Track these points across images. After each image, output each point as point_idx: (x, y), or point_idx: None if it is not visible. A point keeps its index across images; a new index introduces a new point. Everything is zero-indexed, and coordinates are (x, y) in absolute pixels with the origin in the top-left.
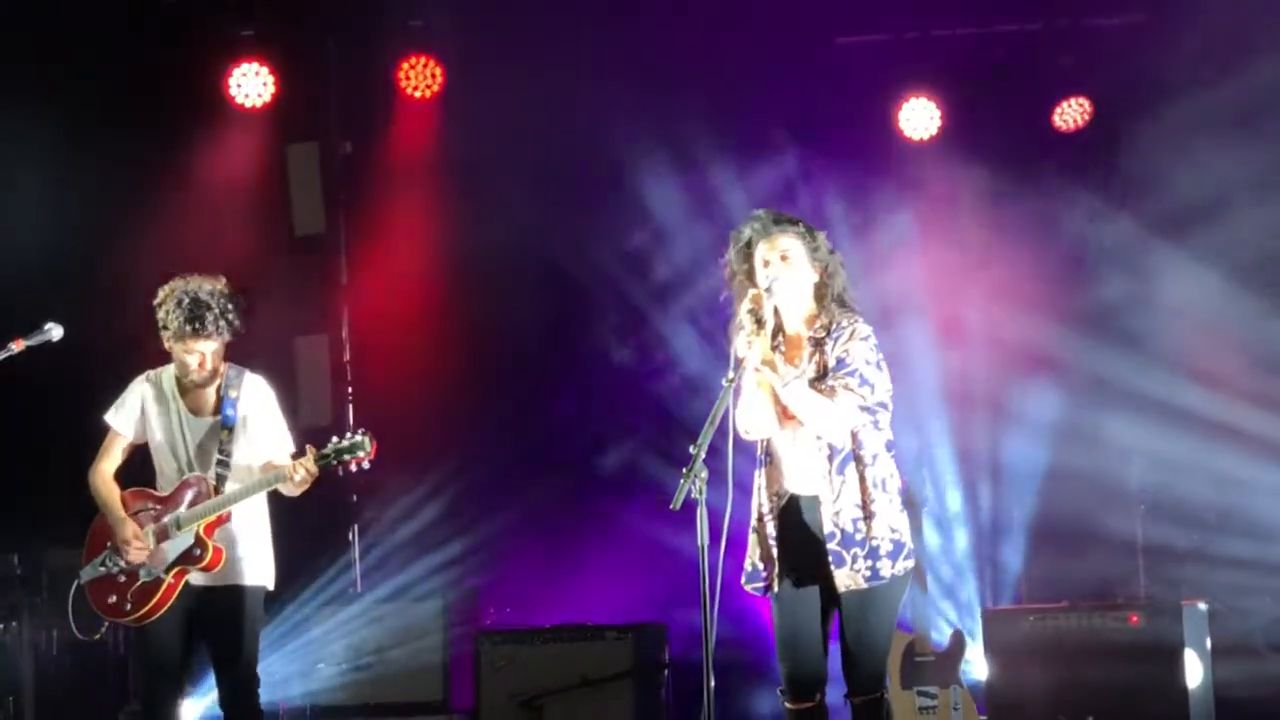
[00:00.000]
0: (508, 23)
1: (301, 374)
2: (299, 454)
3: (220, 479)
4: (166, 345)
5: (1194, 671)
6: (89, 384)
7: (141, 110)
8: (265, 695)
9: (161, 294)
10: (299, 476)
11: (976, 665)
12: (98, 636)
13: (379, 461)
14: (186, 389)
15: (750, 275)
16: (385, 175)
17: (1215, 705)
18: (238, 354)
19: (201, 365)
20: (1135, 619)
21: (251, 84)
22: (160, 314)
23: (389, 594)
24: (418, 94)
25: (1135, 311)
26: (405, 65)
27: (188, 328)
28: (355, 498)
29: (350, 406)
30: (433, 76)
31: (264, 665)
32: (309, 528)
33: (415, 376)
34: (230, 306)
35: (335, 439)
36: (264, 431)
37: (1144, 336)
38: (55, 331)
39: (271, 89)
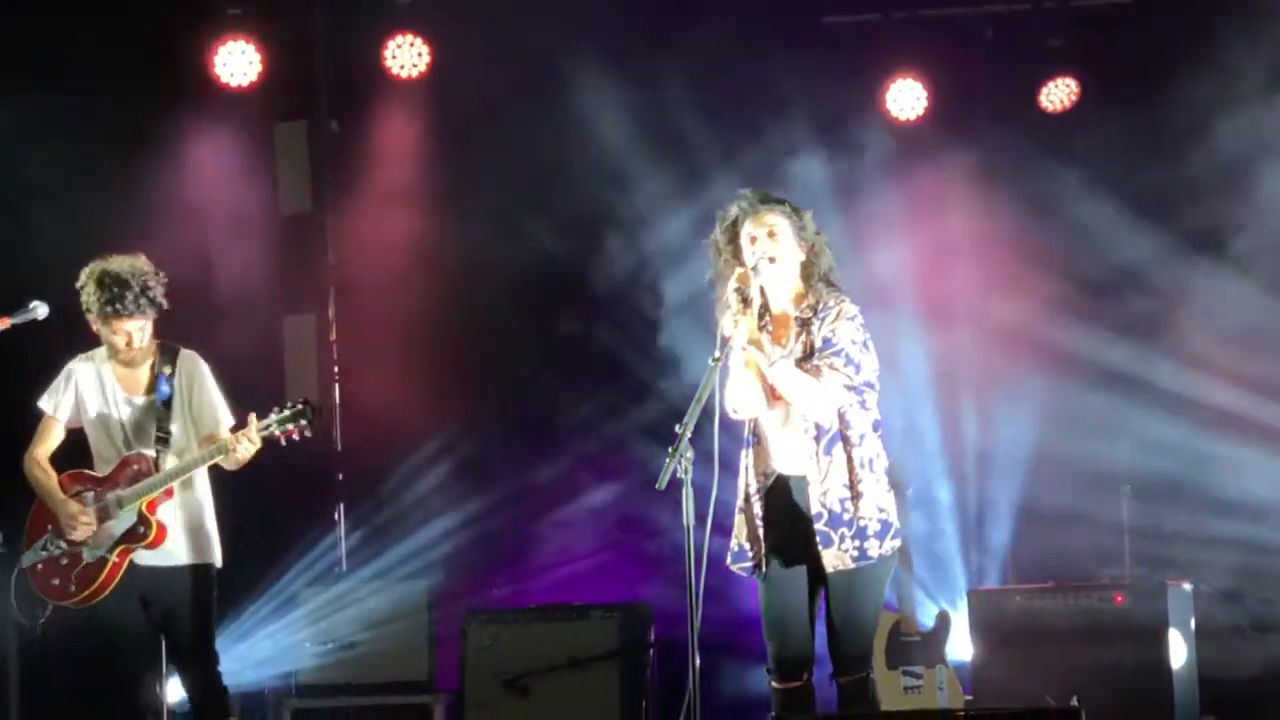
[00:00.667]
0: (495, 2)
1: (289, 354)
2: (239, 426)
3: (160, 455)
4: (94, 327)
5: (1178, 652)
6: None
7: (126, 89)
8: (251, 675)
9: (82, 276)
10: (240, 450)
11: (962, 645)
12: (41, 620)
13: (366, 440)
14: (119, 369)
15: (736, 254)
16: (372, 154)
17: (1199, 685)
18: (224, 334)
19: (129, 344)
20: (1120, 599)
21: (238, 62)
22: (82, 296)
23: (375, 573)
24: (404, 73)
25: (1122, 294)
26: (392, 44)
27: (109, 308)
28: (341, 476)
29: (337, 386)
30: (420, 56)
31: (249, 644)
32: (294, 506)
33: (402, 356)
34: (150, 284)
35: (277, 409)
36: (201, 406)
37: (1132, 319)
38: (41, 310)
39: (258, 68)
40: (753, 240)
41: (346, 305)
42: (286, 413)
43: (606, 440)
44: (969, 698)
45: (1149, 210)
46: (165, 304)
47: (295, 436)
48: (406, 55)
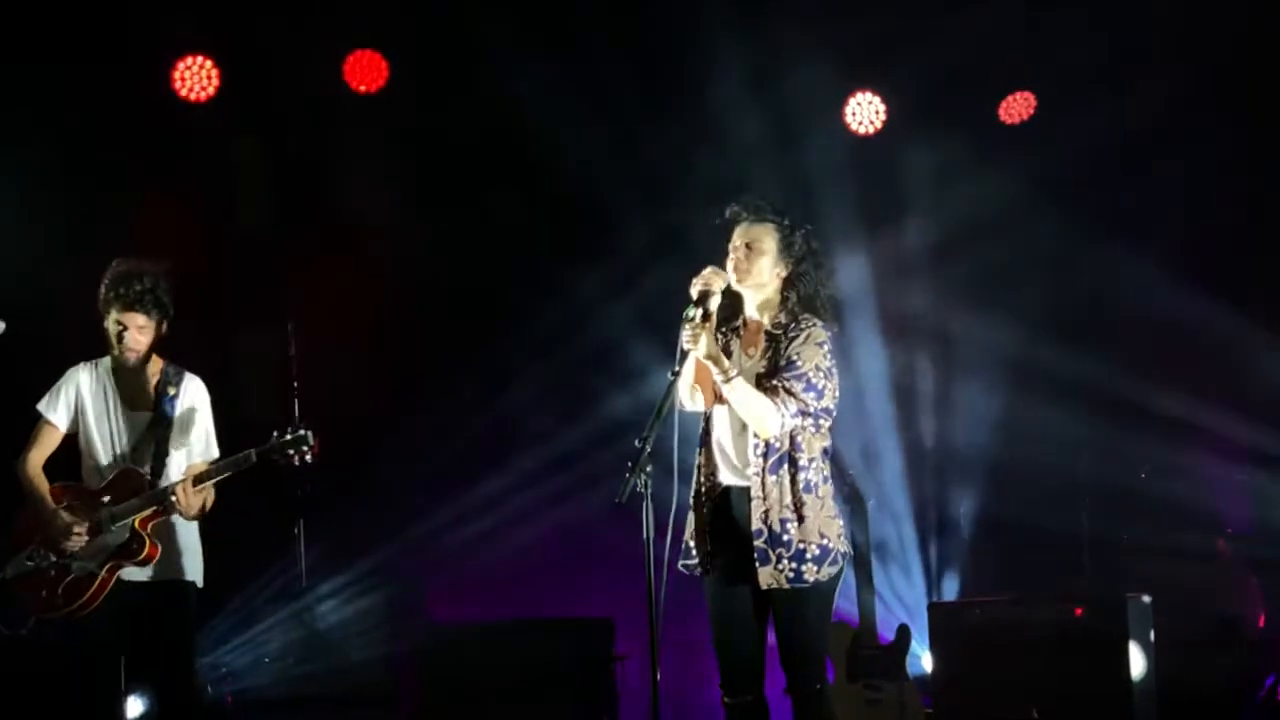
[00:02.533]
0: (454, 15)
1: (246, 369)
2: (231, 456)
3: (155, 474)
4: (104, 323)
5: (1138, 664)
6: (22, 381)
7: (83, 105)
8: (210, 690)
9: (108, 269)
10: (183, 503)
11: (922, 658)
12: (24, 632)
13: (325, 455)
14: (123, 381)
15: (719, 265)
16: (332, 169)
17: (1158, 698)
18: (182, 349)
19: (124, 340)
20: (1080, 612)
21: (196, 77)
22: (101, 287)
23: (334, 588)
24: (363, 88)
25: (1083, 307)
26: (351, 59)
27: (119, 293)
28: (300, 492)
29: (296, 401)
30: (378, 70)
31: (209, 659)
32: (253, 521)
33: (363, 371)
34: (164, 286)
35: (277, 434)
36: (199, 433)
37: (1092, 332)
38: None
39: (215, 82)
40: (734, 249)
41: (305, 321)
42: (289, 438)
43: (568, 454)
44: (929, 711)
45: (1109, 226)
46: (169, 314)
47: (296, 462)
48: (365, 70)
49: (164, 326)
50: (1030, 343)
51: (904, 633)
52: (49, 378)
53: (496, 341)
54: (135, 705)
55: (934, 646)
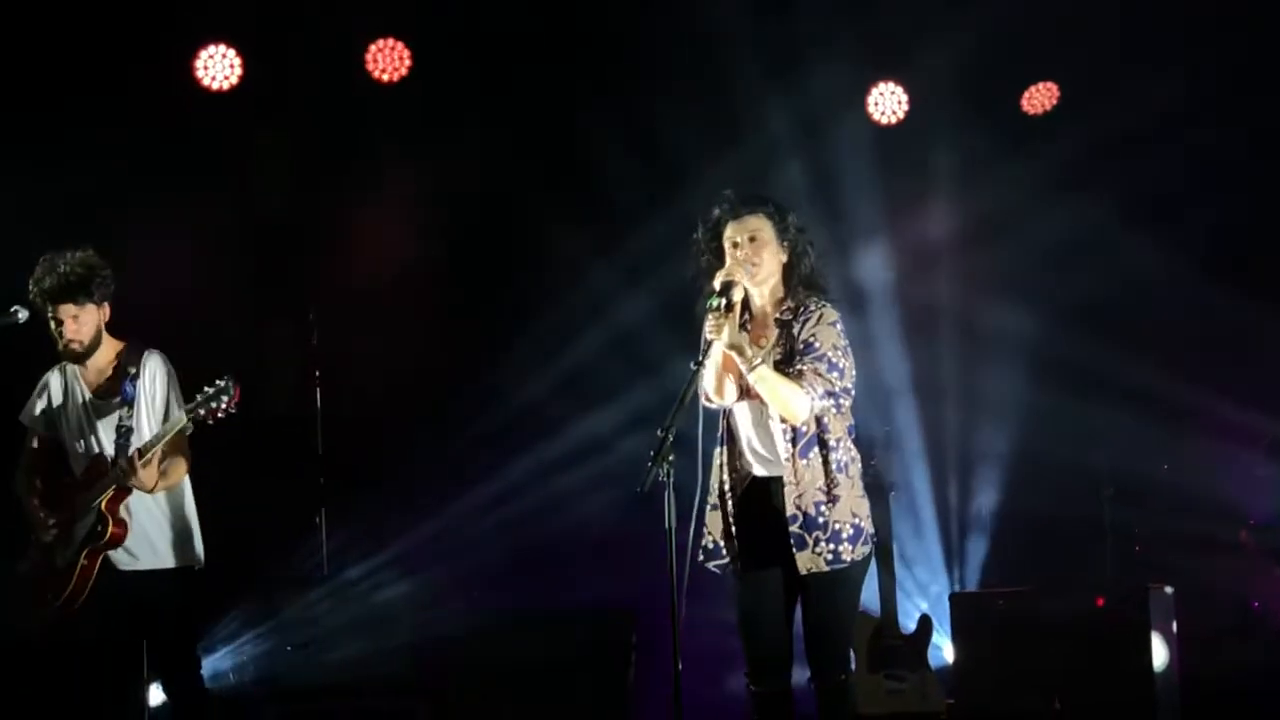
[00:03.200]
0: (475, 4)
1: (267, 359)
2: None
3: (121, 452)
4: (44, 317)
5: (1160, 654)
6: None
7: (106, 94)
8: (232, 679)
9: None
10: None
11: (944, 649)
12: (37, 626)
13: (348, 445)
14: (87, 373)
15: (719, 255)
16: (354, 158)
17: (1180, 688)
18: (202, 338)
19: (61, 330)
20: (1102, 602)
21: (218, 66)
22: (29, 285)
23: (357, 576)
24: (385, 76)
25: (1106, 297)
26: (373, 48)
27: (39, 288)
28: (322, 480)
29: (318, 390)
30: (400, 59)
31: (230, 648)
32: (275, 510)
33: (384, 360)
34: (90, 274)
35: (202, 391)
36: (162, 406)
37: (1115, 322)
38: (21, 314)
39: (239, 71)
40: (734, 245)
41: (326, 310)
42: (209, 391)
43: (591, 443)
44: (950, 701)
45: (1129, 213)
46: (100, 298)
47: (221, 414)
48: (387, 59)
49: (103, 309)
50: (1053, 333)
51: (925, 623)
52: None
53: (518, 331)
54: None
55: (956, 636)
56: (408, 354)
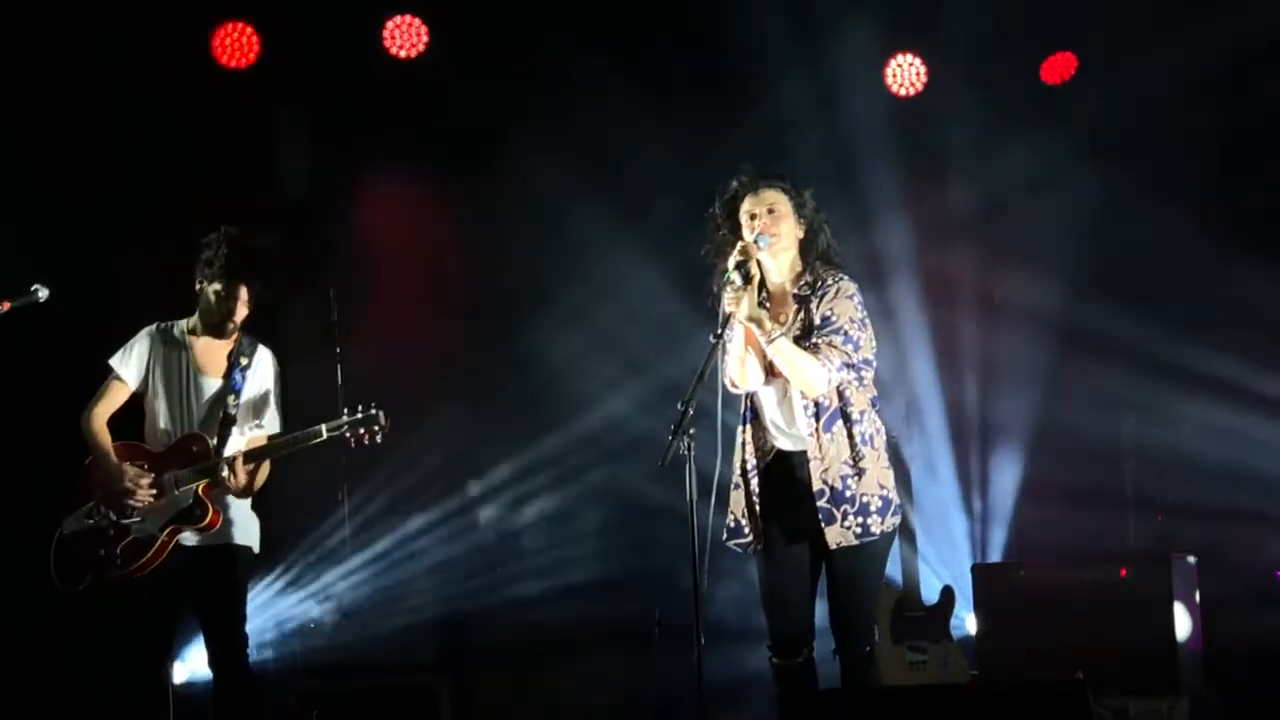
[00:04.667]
0: None
1: (288, 336)
2: (299, 431)
3: (221, 441)
4: (200, 285)
5: (1183, 625)
6: (68, 349)
7: (125, 71)
8: (255, 654)
9: (215, 234)
10: (232, 480)
11: (966, 620)
12: (80, 588)
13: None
14: (198, 345)
15: (736, 230)
16: (372, 135)
17: (1203, 657)
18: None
19: (220, 308)
20: (1124, 572)
21: (236, 44)
22: (207, 251)
23: (380, 553)
24: (403, 54)
25: (1126, 268)
26: (390, 24)
27: (227, 265)
28: (344, 458)
29: (339, 367)
30: (418, 35)
31: (254, 624)
32: (300, 486)
33: (404, 335)
34: (270, 265)
35: (347, 410)
36: (264, 406)
37: (1136, 293)
38: (41, 293)
39: (256, 48)
40: (752, 217)
41: (348, 286)
42: (358, 416)
43: (611, 418)
44: (974, 673)
45: (1150, 183)
46: (270, 293)
47: (366, 441)
48: (404, 36)
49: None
50: (1074, 303)
51: (948, 594)
52: (95, 340)
53: (536, 305)
54: (182, 670)
55: (978, 608)
56: (429, 328)
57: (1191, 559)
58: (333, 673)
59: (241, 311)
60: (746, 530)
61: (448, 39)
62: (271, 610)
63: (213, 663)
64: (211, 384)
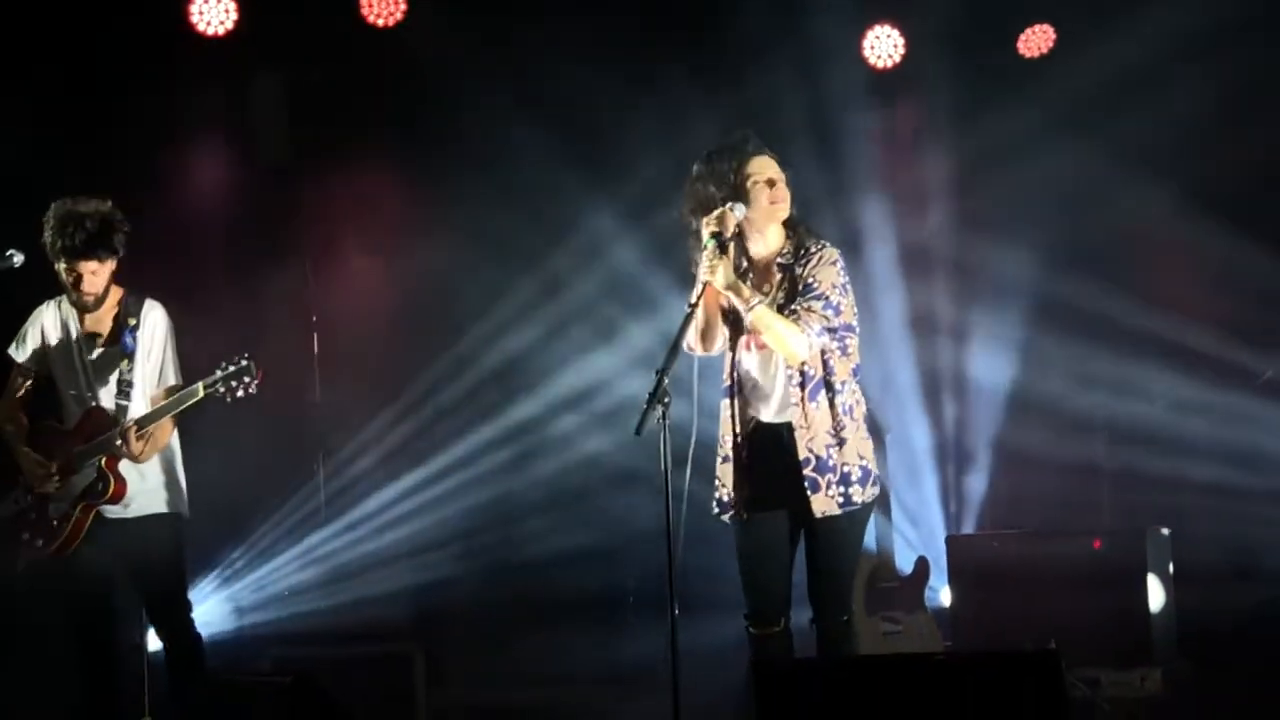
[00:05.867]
0: None
1: (265, 304)
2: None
3: (120, 409)
4: (54, 265)
5: (1156, 596)
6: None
7: (99, 40)
8: (232, 623)
9: (47, 213)
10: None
11: (941, 591)
12: (18, 573)
13: (346, 388)
14: (85, 316)
15: (737, 191)
16: (350, 104)
17: (1177, 631)
18: (201, 284)
19: (80, 286)
20: (1098, 544)
21: (213, 12)
22: (44, 232)
23: (354, 522)
24: (380, 22)
25: (1102, 240)
26: None
27: (61, 244)
28: (320, 427)
29: (315, 335)
30: (395, 4)
31: (229, 593)
32: (274, 456)
33: (380, 304)
34: (110, 229)
35: (221, 366)
36: (158, 363)
37: (1112, 265)
38: (17, 258)
39: (234, 16)
40: (770, 183)
41: (324, 256)
42: (231, 369)
43: (585, 384)
44: (948, 643)
45: (1128, 156)
46: (121, 250)
47: (240, 393)
48: (382, 4)
49: (118, 262)
50: (1049, 275)
51: (923, 565)
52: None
53: (514, 276)
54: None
55: (952, 579)
56: (405, 299)
57: (1165, 531)
58: (307, 640)
59: (95, 283)
60: (731, 503)
61: (426, 6)
62: (246, 579)
63: (159, 633)
64: (102, 351)
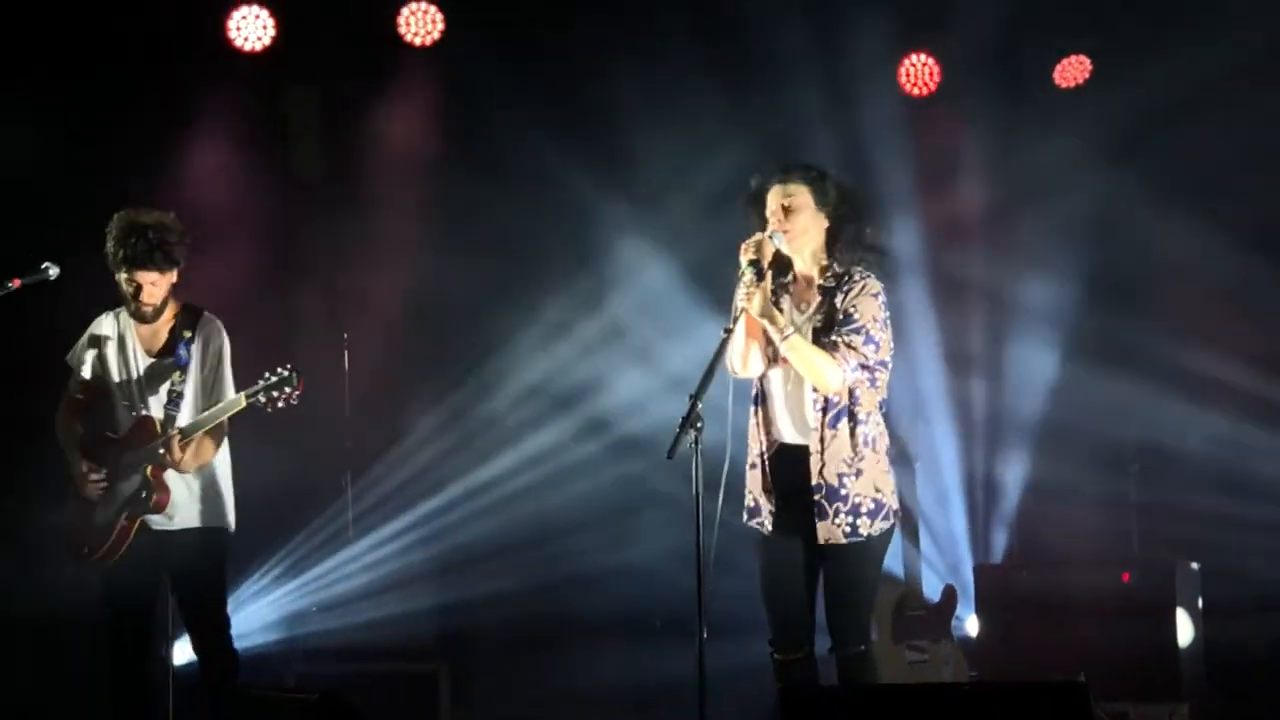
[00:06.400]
0: None
1: (297, 319)
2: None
3: (169, 419)
4: (116, 278)
5: (1185, 631)
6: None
7: (139, 54)
8: (259, 638)
9: (110, 223)
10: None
11: (968, 621)
12: (68, 576)
13: (375, 407)
14: (141, 325)
15: (761, 224)
16: (387, 122)
17: (1206, 664)
18: (233, 297)
19: (139, 296)
20: (1127, 577)
21: (251, 27)
22: (107, 242)
23: (382, 539)
24: (418, 41)
25: (1137, 271)
26: (405, 11)
27: (123, 254)
28: (349, 443)
29: (346, 352)
30: (433, 23)
31: (255, 608)
32: (302, 472)
33: (412, 322)
34: (170, 240)
35: (264, 376)
36: (213, 376)
37: (1146, 296)
38: (52, 271)
39: (272, 32)
40: (772, 211)
41: (355, 272)
42: (273, 379)
43: (617, 408)
44: (974, 673)
45: (1165, 190)
46: (182, 262)
47: (281, 404)
48: (419, 23)
49: (177, 274)
50: (1083, 305)
51: (950, 594)
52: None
53: (546, 295)
54: (182, 652)
55: (980, 609)
56: (437, 317)
57: (1195, 565)
58: (333, 658)
59: (154, 293)
60: (761, 511)
61: (463, 26)
62: (272, 595)
63: (195, 647)
64: (155, 363)
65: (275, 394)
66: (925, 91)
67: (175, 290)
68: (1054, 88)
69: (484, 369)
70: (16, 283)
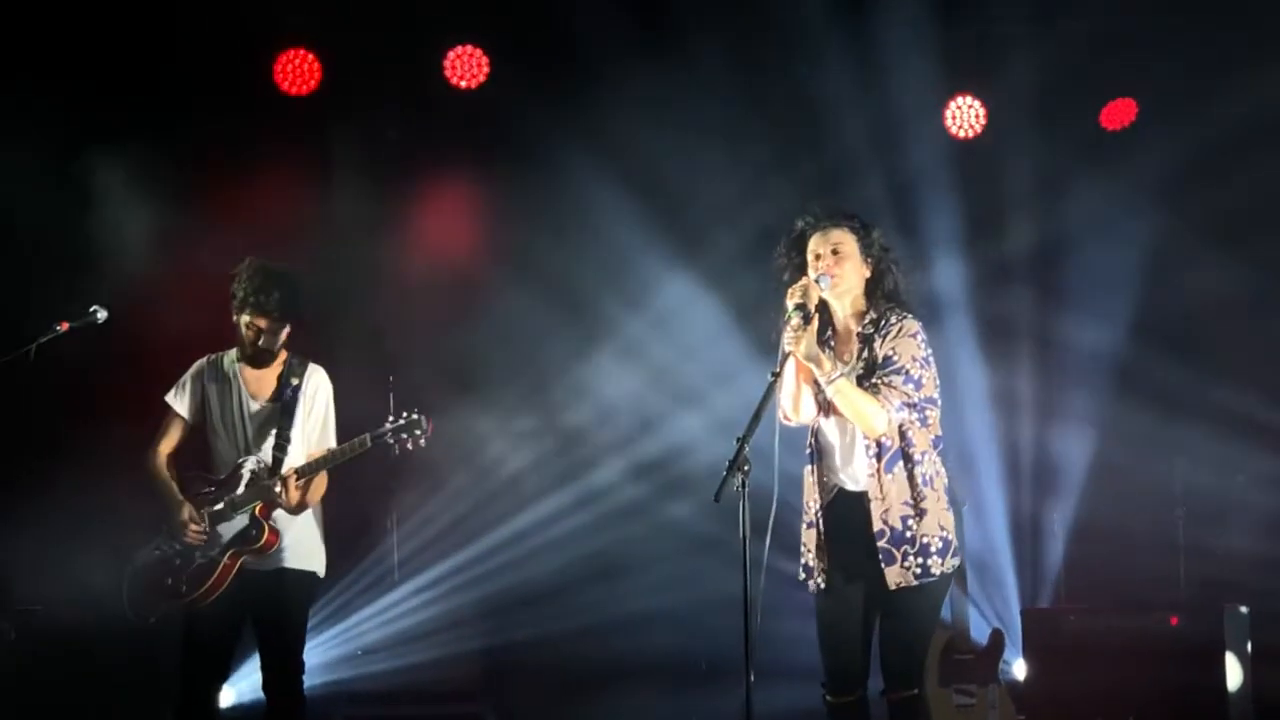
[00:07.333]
0: (552, 13)
1: (341, 356)
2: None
3: (277, 462)
4: (234, 317)
5: (1234, 675)
6: (140, 370)
7: (187, 97)
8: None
9: (238, 266)
10: (285, 496)
11: (1015, 665)
12: (152, 620)
13: (420, 449)
14: (247, 371)
15: (801, 268)
16: (432, 164)
17: (1255, 708)
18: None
19: (257, 341)
20: (1176, 621)
21: (298, 71)
22: (233, 285)
23: (427, 583)
24: (464, 84)
25: (1184, 313)
26: (452, 54)
27: (251, 299)
28: (393, 487)
29: (391, 396)
30: (478, 66)
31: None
32: (348, 515)
33: (458, 364)
34: (296, 290)
35: (392, 418)
36: (320, 423)
37: (1190, 337)
38: (100, 314)
39: (317, 75)
40: (818, 257)
41: (403, 311)
42: (400, 422)
43: (664, 449)
44: (1021, 717)
45: (1208, 229)
46: (302, 315)
47: (410, 446)
48: (465, 66)
49: (294, 325)
50: (1131, 348)
51: (997, 638)
52: (165, 365)
53: (594, 338)
54: (228, 693)
55: (1027, 653)
56: (480, 357)
57: (1244, 609)
58: (379, 700)
59: (271, 340)
60: (815, 570)
61: (508, 69)
62: (320, 636)
63: (266, 686)
64: (264, 407)
65: (405, 435)
66: (971, 134)
67: (291, 339)
68: (1100, 130)
69: (530, 412)
70: (65, 326)
